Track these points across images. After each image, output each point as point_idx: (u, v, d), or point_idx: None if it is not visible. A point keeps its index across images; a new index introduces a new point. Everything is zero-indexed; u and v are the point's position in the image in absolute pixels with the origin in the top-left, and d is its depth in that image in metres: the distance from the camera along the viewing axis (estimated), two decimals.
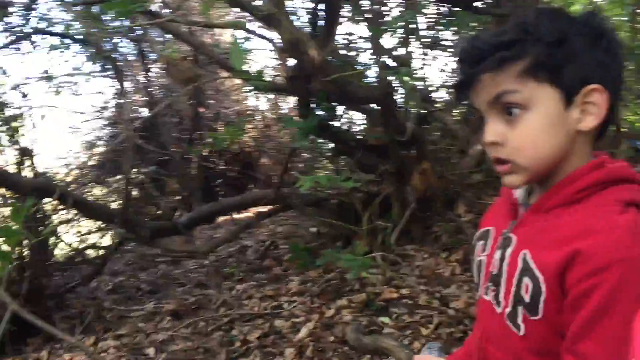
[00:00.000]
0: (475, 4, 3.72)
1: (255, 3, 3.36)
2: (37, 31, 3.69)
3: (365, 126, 4.55)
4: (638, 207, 0.81)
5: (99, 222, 4.86)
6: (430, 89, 4.71)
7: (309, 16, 3.20)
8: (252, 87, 3.48)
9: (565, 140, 0.85)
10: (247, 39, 4.68)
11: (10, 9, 4.14)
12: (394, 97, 3.51)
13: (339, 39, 4.36)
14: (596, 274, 0.76)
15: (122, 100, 3.42)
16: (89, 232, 5.72)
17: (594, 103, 0.84)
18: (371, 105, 3.82)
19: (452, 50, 4.78)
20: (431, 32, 4.73)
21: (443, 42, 4.84)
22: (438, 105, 4.63)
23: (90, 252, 5.38)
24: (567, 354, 0.80)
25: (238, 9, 3.70)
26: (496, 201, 1.04)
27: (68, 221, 4.89)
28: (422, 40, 4.33)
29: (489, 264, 0.97)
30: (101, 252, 4.89)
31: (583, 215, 0.83)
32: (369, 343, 1.36)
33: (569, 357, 0.80)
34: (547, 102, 0.84)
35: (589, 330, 0.77)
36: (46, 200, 3.47)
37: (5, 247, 2.33)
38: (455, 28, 4.84)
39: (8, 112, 3.79)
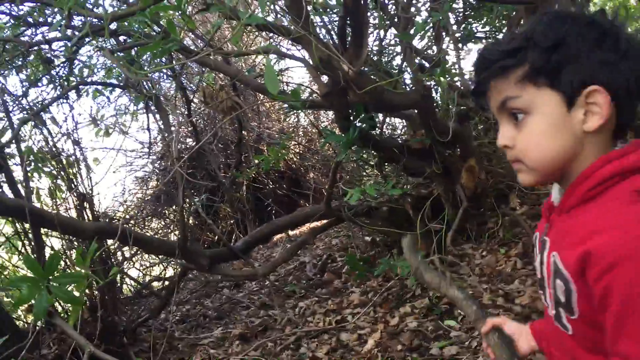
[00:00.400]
0: None
1: (284, 23, 3.42)
2: (80, 82, 3.85)
3: (407, 131, 4.54)
4: None
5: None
6: (468, 83, 4.66)
7: (338, 31, 3.22)
8: (289, 107, 3.53)
9: (572, 141, 0.87)
10: (279, 59, 4.78)
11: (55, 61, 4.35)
12: (432, 98, 3.50)
13: (371, 46, 4.39)
14: (609, 271, 0.76)
15: (167, 135, 3.54)
16: (153, 265, 5.92)
17: (596, 103, 0.84)
18: (410, 109, 3.81)
19: (485, 41, 4.74)
20: (462, 26, 4.70)
21: (476, 35, 4.80)
22: None
23: (156, 284, 5.57)
24: (611, 356, 0.81)
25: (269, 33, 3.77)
26: (544, 204, 1.05)
27: (132, 256, 5.08)
28: (454, 35, 4.29)
29: (537, 269, 1.00)
30: (166, 283, 5.04)
31: (597, 212, 0.83)
32: (430, 282, 1.35)
33: (615, 359, 0.80)
34: (548, 106, 0.86)
35: (621, 329, 0.77)
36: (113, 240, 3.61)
37: (75, 292, 2.44)
38: (485, 19, 4.80)
39: (63, 160, 3.95)
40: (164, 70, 5.33)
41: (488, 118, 4.19)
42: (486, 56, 0.90)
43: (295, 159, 7.59)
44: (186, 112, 5.74)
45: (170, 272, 5.53)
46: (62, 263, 4.03)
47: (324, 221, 4.39)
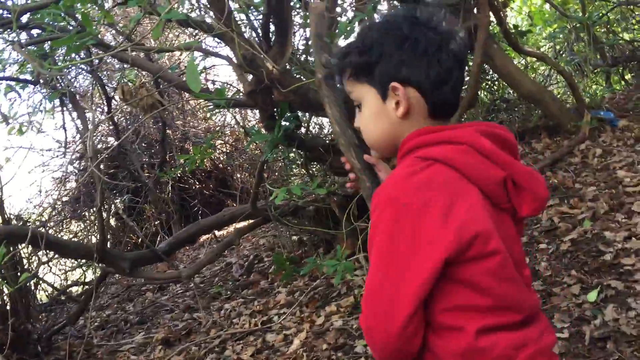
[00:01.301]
0: None
1: (208, 20, 3.35)
2: None
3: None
4: (439, 161, 0.97)
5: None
6: None
7: (262, 29, 3.19)
8: (214, 105, 3.46)
9: (390, 125, 1.07)
10: (204, 57, 4.68)
11: None
12: None
13: (298, 45, 4.37)
14: (372, 213, 0.98)
15: (85, 135, 3.38)
16: (72, 269, 5.66)
17: (399, 95, 1.03)
18: None
19: None
20: None
21: None
22: None
23: (75, 289, 5.33)
24: None
25: (192, 29, 3.68)
26: None
27: (48, 261, 4.83)
28: None
29: None
30: (86, 287, 4.83)
31: (392, 172, 1.03)
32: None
33: None
34: (369, 98, 1.08)
35: (369, 256, 0.98)
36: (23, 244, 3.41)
37: None
38: None
39: None
40: (82, 67, 5.11)
41: None
42: (333, 58, 1.15)
43: (222, 159, 7.48)
44: (106, 110, 5.52)
45: (91, 277, 5.31)
46: None
47: (251, 221, 4.34)
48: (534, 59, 5.93)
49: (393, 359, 0.95)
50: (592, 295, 2.44)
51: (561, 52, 6.71)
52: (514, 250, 1.01)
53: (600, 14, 5.94)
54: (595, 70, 6.39)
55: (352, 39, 1.17)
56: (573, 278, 2.64)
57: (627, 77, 7.04)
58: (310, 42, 1.41)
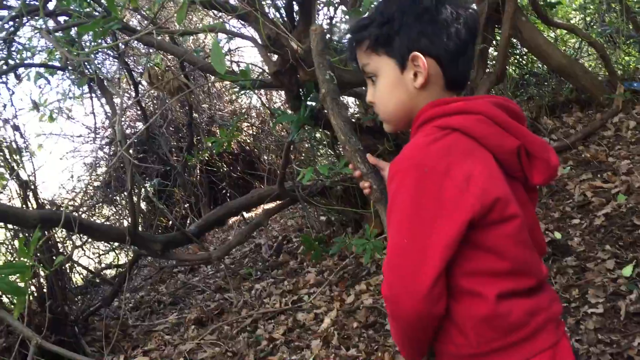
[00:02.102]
0: None
1: (232, 2, 3.34)
2: (17, 64, 3.67)
3: (359, 109, 4.53)
4: (457, 130, 0.99)
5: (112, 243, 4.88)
6: None
7: (286, 8, 3.17)
8: (239, 87, 3.46)
9: (407, 96, 1.09)
10: (229, 39, 4.67)
11: None
12: None
13: (324, 24, 4.33)
14: (390, 181, 1.00)
15: (113, 119, 3.42)
16: (106, 252, 5.77)
17: (419, 65, 1.05)
18: (362, 87, 3.79)
19: None
20: None
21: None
22: None
23: (109, 272, 5.43)
24: None
25: (216, 11, 3.67)
26: None
27: (82, 244, 4.93)
28: None
29: None
30: (120, 270, 4.93)
31: (409, 142, 1.04)
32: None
33: None
34: (387, 70, 1.09)
35: (388, 227, 1.00)
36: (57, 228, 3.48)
37: (20, 283, 2.35)
38: None
39: (5, 147, 3.78)
40: (109, 52, 5.15)
41: None
42: (349, 32, 1.17)
43: (248, 141, 7.50)
44: (134, 94, 5.57)
45: (124, 260, 5.40)
46: (8, 254, 3.89)
47: (279, 202, 4.35)
48: (564, 31, 5.77)
49: (420, 324, 0.96)
50: (627, 270, 2.40)
51: (592, 24, 6.51)
52: (527, 216, 1.04)
53: None
54: (628, 41, 6.19)
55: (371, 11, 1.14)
56: (607, 253, 2.59)
57: None
58: (315, 58, 1.42)
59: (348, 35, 1.17)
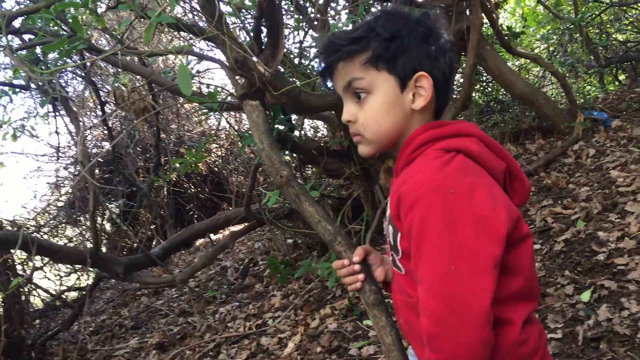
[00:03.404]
0: None
1: (201, 24, 3.34)
2: None
3: (328, 133, 4.56)
4: (461, 152, 0.96)
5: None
6: None
7: (253, 32, 3.18)
8: (207, 109, 3.45)
9: (403, 117, 1.04)
10: (199, 61, 4.67)
11: None
12: None
13: (291, 48, 4.36)
14: (410, 210, 0.91)
15: (78, 139, 3.36)
16: (67, 274, 5.63)
17: (423, 87, 1.02)
18: (329, 111, 3.82)
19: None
20: None
21: None
22: None
23: (71, 295, 5.30)
24: (417, 283, 0.93)
25: (187, 33, 3.68)
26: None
27: (43, 266, 4.80)
28: None
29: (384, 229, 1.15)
30: (82, 293, 4.81)
31: (412, 166, 1.00)
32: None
33: (418, 288, 0.93)
34: (385, 87, 1.03)
35: (418, 259, 0.91)
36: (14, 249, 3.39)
37: None
38: None
39: None
40: (76, 71, 5.09)
41: None
42: (335, 41, 1.04)
43: (217, 163, 7.47)
44: (101, 114, 5.51)
45: (86, 282, 5.28)
46: None
47: (246, 224, 4.33)
48: (528, 60, 5.94)
49: (485, 352, 0.87)
50: (586, 296, 2.44)
51: (555, 53, 6.72)
52: None
53: (593, 15, 5.96)
54: (589, 71, 6.40)
55: (363, 22, 1.07)
56: (567, 278, 2.63)
57: (621, 77, 7.06)
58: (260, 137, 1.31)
59: (330, 46, 1.05)
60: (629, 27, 7.02)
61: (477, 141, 0.98)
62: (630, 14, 6.82)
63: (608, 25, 6.80)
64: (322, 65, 1.08)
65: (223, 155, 7.44)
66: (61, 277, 5.64)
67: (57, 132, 5.92)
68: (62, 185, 6.83)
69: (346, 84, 1.04)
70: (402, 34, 1.01)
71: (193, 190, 7.33)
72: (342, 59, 1.03)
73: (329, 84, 1.11)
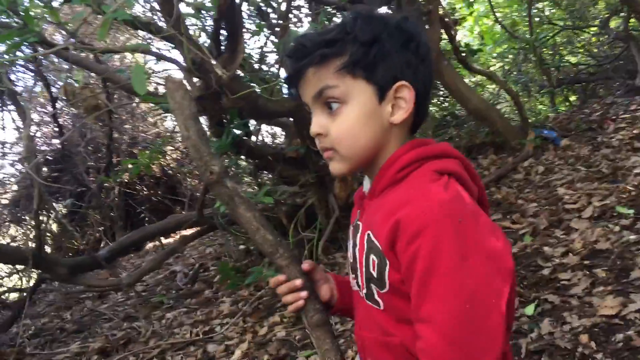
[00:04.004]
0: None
1: (160, 23, 3.28)
2: None
3: (285, 139, 4.54)
4: (452, 175, 0.88)
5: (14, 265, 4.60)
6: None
7: (212, 34, 3.15)
8: (163, 110, 3.39)
9: (380, 131, 0.92)
10: (158, 60, 4.59)
11: None
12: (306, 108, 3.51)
13: (252, 53, 4.34)
14: (414, 239, 0.80)
15: (24, 134, 3.24)
16: (9, 275, 5.42)
17: (403, 98, 0.91)
18: (286, 117, 3.81)
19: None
20: None
21: None
22: None
23: (12, 296, 5.10)
24: (416, 324, 0.84)
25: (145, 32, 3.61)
26: (355, 195, 1.09)
27: None
28: None
29: (349, 254, 1.02)
30: (23, 294, 4.63)
31: (405, 188, 0.89)
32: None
33: (419, 326, 0.83)
34: (362, 97, 0.91)
35: (425, 295, 0.81)
36: None
37: None
38: None
39: None
40: (28, 66, 4.93)
41: None
42: (306, 44, 0.91)
43: (172, 165, 7.35)
44: (51, 110, 5.34)
45: (28, 284, 5.09)
46: None
47: (198, 229, 4.26)
48: (484, 77, 6.08)
49: None
50: (530, 309, 2.49)
51: (509, 72, 6.90)
52: None
53: (547, 37, 6.15)
54: (541, 91, 6.60)
55: (338, 24, 0.94)
56: None
57: (571, 98, 7.31)
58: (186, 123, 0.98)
59: (300, 49, 0.92)
60: (581, 50, 7.28)
61: (459, 163, 0.91)
62: (582, 37, 7.08)
63: (561, 47, 7.03)
64: (289, 71, 0.96)
65: (178, 158, 7.32)
66: (2, 277, 5.44)
67: (2, 128, 5.71)
68: (7, 182, 6.59)
69: (317, 92, 0.92)
70: (383, 38, 0.90)
71: (145, 193, 7.18)
72: (314, 64, 0.91)
73: (292, 91, 0.99)
